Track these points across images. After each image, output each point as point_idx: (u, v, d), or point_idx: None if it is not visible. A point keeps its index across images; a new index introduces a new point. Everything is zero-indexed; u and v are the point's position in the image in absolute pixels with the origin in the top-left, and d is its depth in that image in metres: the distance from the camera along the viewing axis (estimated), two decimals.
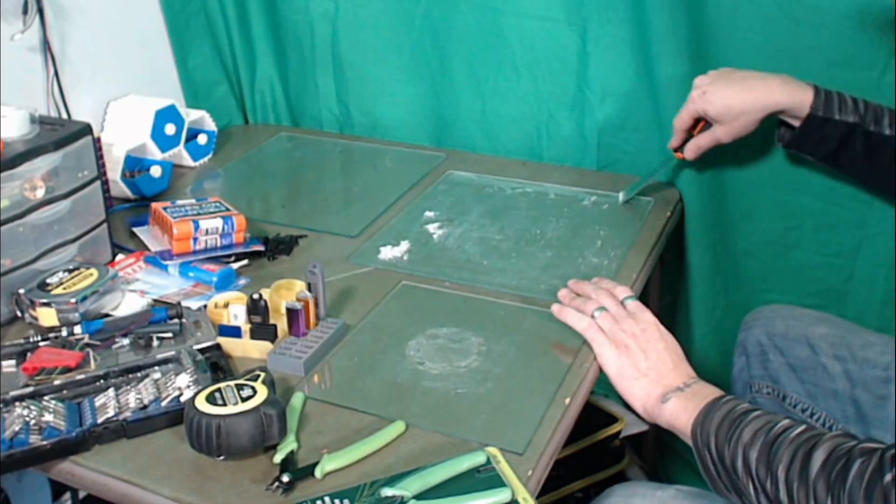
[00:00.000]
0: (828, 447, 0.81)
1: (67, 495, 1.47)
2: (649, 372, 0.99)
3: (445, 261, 1.23)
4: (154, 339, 1.03)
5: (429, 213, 1.37)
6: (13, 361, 1.00)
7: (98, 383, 0.96)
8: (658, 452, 1.68)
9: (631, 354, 1.00)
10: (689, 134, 1.31)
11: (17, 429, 0.88)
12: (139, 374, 0.97)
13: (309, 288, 1.05)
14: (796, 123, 1.22)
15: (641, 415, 0.99)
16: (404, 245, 1.27)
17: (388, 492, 0.80)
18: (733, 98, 1.22)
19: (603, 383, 1.07)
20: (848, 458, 0.80)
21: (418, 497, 0.80)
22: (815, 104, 1.19)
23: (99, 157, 1.20)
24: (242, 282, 1.18)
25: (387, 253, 1.25)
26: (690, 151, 1.31)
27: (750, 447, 0.86)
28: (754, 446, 0.86)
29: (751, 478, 0.86)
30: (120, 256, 1.23)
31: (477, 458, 0.85)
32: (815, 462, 0.81)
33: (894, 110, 1.20)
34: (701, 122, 1.28)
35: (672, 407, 0.95)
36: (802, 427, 0.85)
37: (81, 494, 1.47)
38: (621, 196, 1.40)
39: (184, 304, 1.09)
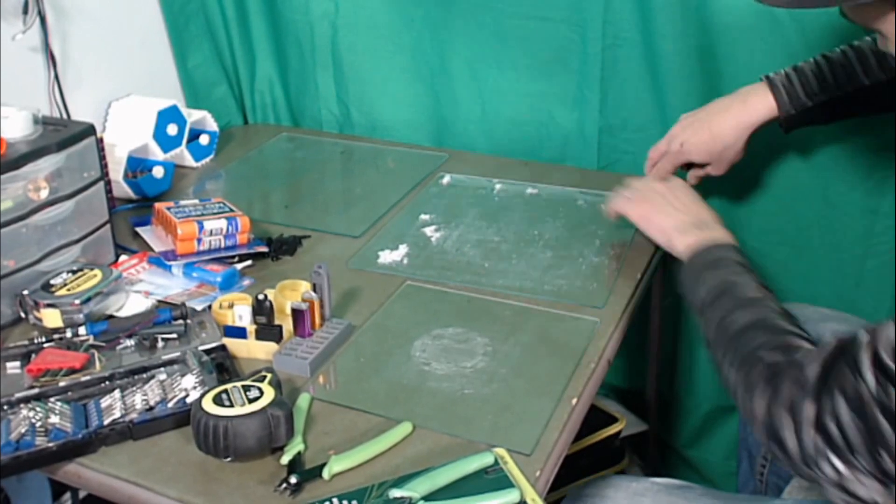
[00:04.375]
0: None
1: (67, 495, 1.47)
2: (679, 207, 1.15)
3: (446, 264, 1.22)
4: (159, 340, 1.03)
5: (424, 216, 1.36)
6: (18, 363, 1.00)
7: (103, 385, 0.96)
8: (658, 452, 1.68)
9: (655, 203, 1.16)
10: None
11: (22, 431, 0.87)
12: (145, 376, 0.97)
13: (314, 288, 1.05)
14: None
15: (662, 243, 1.14)
16: (403, 249, 1.26)
17: (396, 493, 0.80)
18: (710, 143, 1.23)
19: (603, 384, 1.07)
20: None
21: (426, 498, 0.80)
22: (780, 103, 1.18)
23: (102, 157, 1.20)
24: (246, 282, 1.18)
25: (386, 257, 1.24)
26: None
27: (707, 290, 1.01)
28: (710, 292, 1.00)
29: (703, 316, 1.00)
30: (123, 257, 1.23)
31: (485, 459, 0.85)
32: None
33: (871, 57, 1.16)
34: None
35: (686, 237, 1.09)
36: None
37: (81, 494, 1.46)
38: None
39: (188, 304, 1.09)
